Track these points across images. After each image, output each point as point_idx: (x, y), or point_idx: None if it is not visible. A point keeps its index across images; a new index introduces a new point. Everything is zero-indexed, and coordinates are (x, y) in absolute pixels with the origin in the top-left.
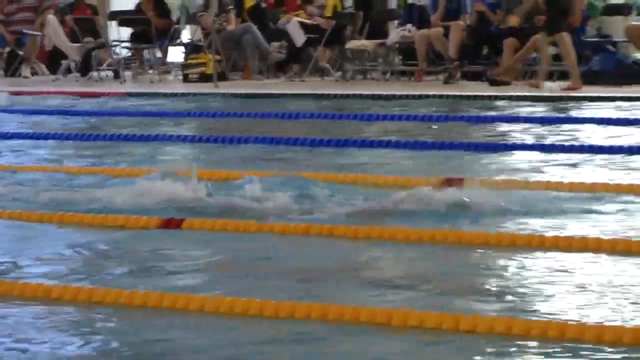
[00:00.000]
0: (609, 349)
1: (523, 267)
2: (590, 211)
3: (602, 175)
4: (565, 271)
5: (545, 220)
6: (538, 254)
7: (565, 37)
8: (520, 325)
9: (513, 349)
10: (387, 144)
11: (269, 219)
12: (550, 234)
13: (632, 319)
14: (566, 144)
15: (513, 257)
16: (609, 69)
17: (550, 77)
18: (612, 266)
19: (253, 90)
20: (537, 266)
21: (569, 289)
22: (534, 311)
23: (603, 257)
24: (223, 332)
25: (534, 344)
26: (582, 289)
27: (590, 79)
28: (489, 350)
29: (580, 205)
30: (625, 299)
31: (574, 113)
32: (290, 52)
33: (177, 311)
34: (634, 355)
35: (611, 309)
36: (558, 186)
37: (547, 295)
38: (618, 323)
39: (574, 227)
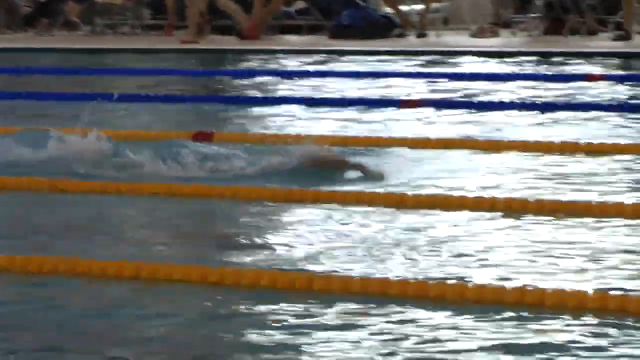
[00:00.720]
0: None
1: (273, 220)
2: None
3: (351, 127)
4: (313, 224)
5: (294, 177)
6: (291, 207)
7: None
8: (250, 275)
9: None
10: (139, 98)
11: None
12: (296, 187)
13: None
14: (318, 96)
15: (264, 211)
16: (358, 24)
17: (314, 30)
18: (361, 219)
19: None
20: (287, 220)
21: (318, 241)
22: (276, 262)
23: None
24: None
25: (264, 292)
26: (328, 241)
27: (340, 33)
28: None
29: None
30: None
31: (323, 67)
32: (39, 6)
33: None
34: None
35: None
36: (315, 139)
37: (289, 246)
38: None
39: (329, 182)
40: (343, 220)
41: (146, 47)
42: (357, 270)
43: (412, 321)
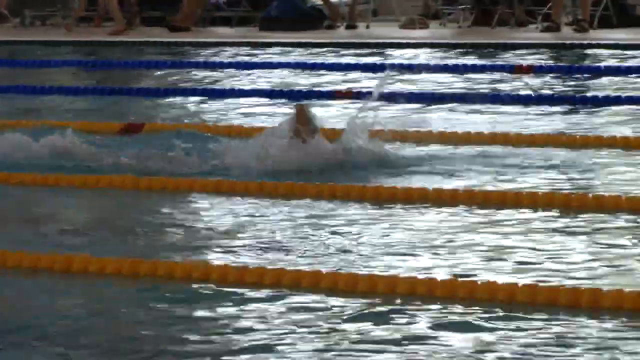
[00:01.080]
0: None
1: (204, 210)
2: None
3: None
4: (248, 217)
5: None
6: (226, 199)
7: None
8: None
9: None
10: (68, 90)
11: None
12: (218, 177)
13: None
14: (248, 88)
15: (193, 201)
16: (288, 15)
17: (243, 21)
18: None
19: None
20: (222, 212)
21: (256, 234)
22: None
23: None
24: None
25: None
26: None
27: (270, 24)
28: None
29: None
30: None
31: (253, 59)
32: None
33: None
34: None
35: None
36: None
37: (225, 238)
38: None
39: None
40: (273, 212)
41: (75, 38)
42: (289, 263)
43: (340, 313)
